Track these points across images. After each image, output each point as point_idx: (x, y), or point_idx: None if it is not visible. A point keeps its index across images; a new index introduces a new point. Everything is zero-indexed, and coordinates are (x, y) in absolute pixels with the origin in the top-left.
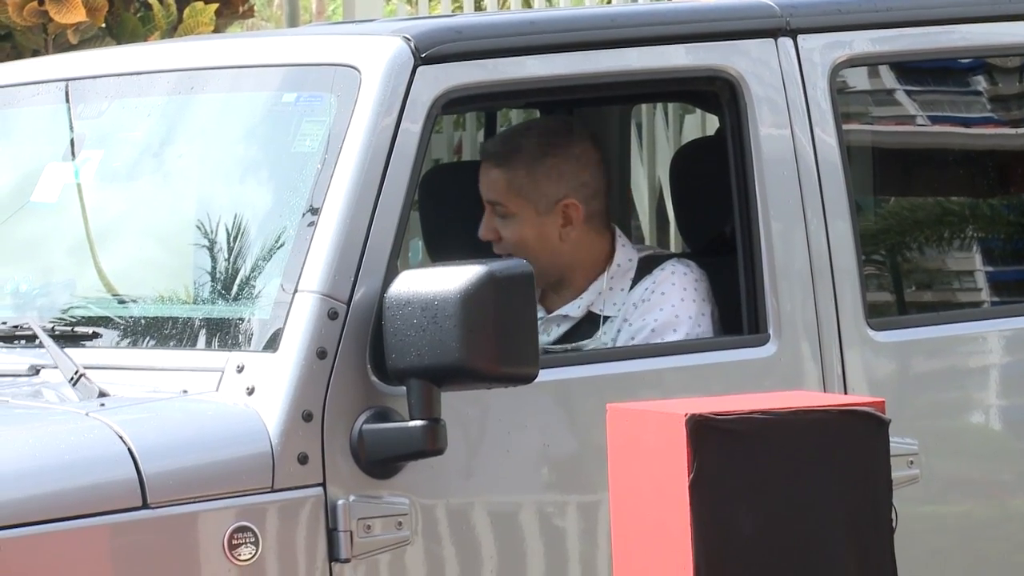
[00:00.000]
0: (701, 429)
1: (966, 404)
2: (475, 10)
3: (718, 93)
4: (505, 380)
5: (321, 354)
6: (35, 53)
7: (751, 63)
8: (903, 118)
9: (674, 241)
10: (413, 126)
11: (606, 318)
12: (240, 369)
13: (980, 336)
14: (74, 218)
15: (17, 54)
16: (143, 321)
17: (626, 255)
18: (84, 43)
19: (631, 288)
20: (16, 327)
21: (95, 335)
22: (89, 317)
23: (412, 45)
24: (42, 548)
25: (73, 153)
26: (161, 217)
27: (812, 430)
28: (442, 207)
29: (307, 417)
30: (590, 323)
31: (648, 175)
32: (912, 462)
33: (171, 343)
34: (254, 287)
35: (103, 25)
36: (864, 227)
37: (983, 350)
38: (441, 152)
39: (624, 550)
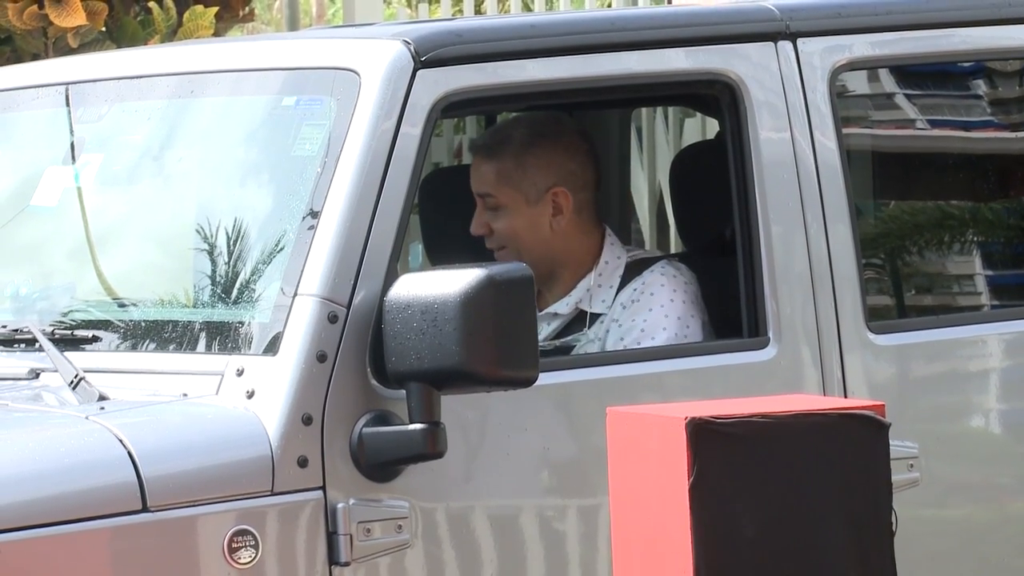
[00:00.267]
0: (701, 433)
1: (966, 408)
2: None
3: (718, 97)
4: (505, 383)
5: (321, 357)
6: (35, 57)
7: (751, 67)
8: (903, 122)
9: (674, 244)
10: (413, 130)
11: (594, 315)
12: (240, 372)
13: (980, 340)
14: (74, 222)
15: (17, 58)
16: (143, 325)
17: (614, 253)
18: (84, 47)
19: (620, 288)
20: (16, 331)
21: (95, 339)
22: (89, 321)
23: (412, 49)
24: (42, 551)
25: (73, 157)
26: (161, 221)
27: (812, 434)
28: (442, 210)
29: (307, 420)
30: (579, 321)
31: (648, 179)
32: (912, 465)
33: (171, 347)
34: (254, 290)
35: (103, 29)
36: (864, 231)
37: (983, 354)
38: (441, 155)
39: (624, 554)
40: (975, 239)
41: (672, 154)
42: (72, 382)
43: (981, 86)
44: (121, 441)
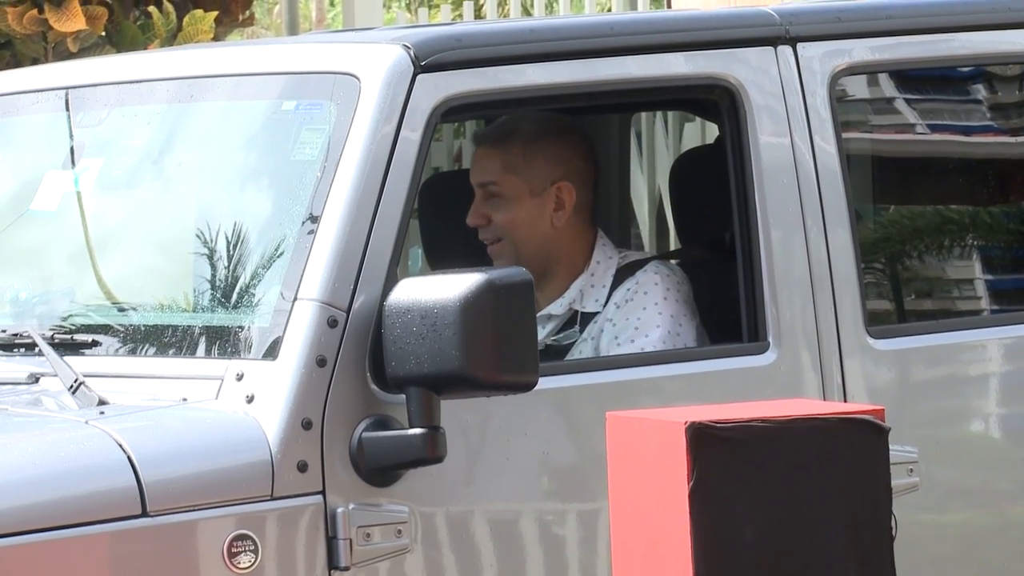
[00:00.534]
0: (701, 437)
1: (966, 412)
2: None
3: (718, 101)
4: (505, 388)
5: (321, 362)
6: (35, 61)
7: (751, 71)
8: (902, 126)
9: (674, 248)
10: (412, 134)
11: (587, 315)
12: (240, 377)
13: (980, 344)
14: (74, 226)
15: (17, 62)
16: (143, 329)
17: (606, 253)
18: (84, 51)
19: (613, 288)
20: (16, 335)
21: (95, 343)
22: (89, 325)
23: (412, 53)
24: (42, 556)
25: (73, 161)
26: (161, 225)
27: (812, 438)
28: (442, 215)
29: (306, 425)
30: (574, 321)
31: (648, 183)
32: (912, 470)
33: (171, 351)
34: (254, 295)
35: (103, 33)
36: (864, 235)
37: (983, 358)
38: (441, 160)
39: (624, 558)
40: (975, 243)
41: (672, 158)
42: (72, 386)
43: (981, 90)
44: (121, 446)
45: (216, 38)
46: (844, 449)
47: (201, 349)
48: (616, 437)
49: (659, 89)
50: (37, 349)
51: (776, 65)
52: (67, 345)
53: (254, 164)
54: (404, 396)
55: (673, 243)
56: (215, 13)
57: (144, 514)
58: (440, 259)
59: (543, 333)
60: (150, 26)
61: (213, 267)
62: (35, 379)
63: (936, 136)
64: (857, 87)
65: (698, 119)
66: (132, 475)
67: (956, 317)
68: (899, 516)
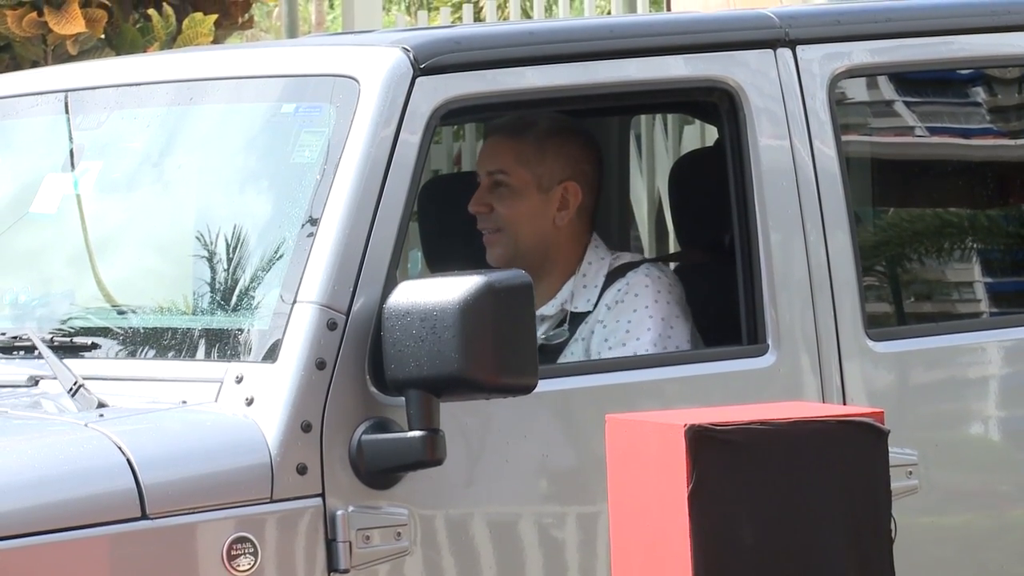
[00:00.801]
0: (700, 440)
1: (965, 415)
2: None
3: (717, 104)
4: (504, 390)
5: (320, 365)
6: (34, 64)
7: (750, 74)
8: (902, 129)
9: (673, 251)
10: (412, 137)
11: (577, 315)
12: (239, 380)
13: (979, 347)
14: (73, 229)
15: (16, 65)
16: (142, 332)
17: (598, 255)
18: (83, 54)
19: (604, 289)
20: (15, 338)
21: (94, 346)
22: (88, 328)
23: (411, 56)
24: (41, 559)
25: (72, 164)
26: (160, 228)
27: (811, 441)
28: (441, 218)
29: (306, 428)
30: (564, 322)
31: (647, 186)
32: (911, 473)
33: (170, 354)
34: (253, 298)
35: (102, 36)
36: (863, 238)
37: (982, 361)
38: (440, 163)
39: (624, 561)
40: (974, 246)
41: (671, 161)
42: (71, 389)
43: (980, 93)
44: (120, 448)
45: (215, 41)
46: (844, 452)
47: (200, 352)
48: (616, 440)
49: (658, 92)
50: (36, 352)
51: (775, 68)
52: (66, 348)
53: (253, 167)
54: (404, 399)
55: (672, 246)
56: (214, 16)
57: (143, 517)
58: (440, 262)
59: (537, 335)
60: (149, 29)
61: (212, 270)
62: (34, 382)
63: (935, 139)
64: (856, 90)
65: (697, 122)
66: (131, 478)
67: (955, 320)
68: (898, 519)
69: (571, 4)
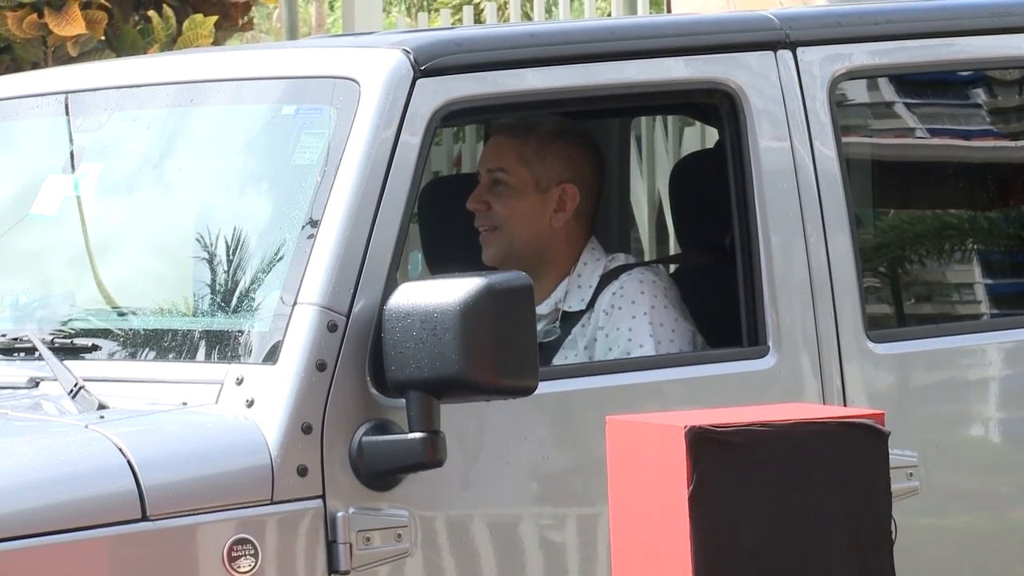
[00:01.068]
0: (701, 441)
1: (965, 416)
2: (475, 22)
3: (718, 105)
4: (504, 392)
5: (320, 366)
6: (35, 66)
7: (751, 76)
8: (902, 130)
9: (673, 252)
10: (412, 138)
11: (569, 313)
12: (240, 381)
13: (979, 348)
14: (73, 230)
15: (16, 67)
16: (142, 333)
17: (593, 256)
18: (84, 55)
19: (599, 290)
20: (15, 339)
21: (94, 347)
22: (88, 329)
23: (411, 57)
24: (42, 560)
25: (73, 165)
26: (161, 229)
27: (812, 442)
28: (442, 219)
29: (306, 429)
30: (559, 321)
31: (648, 187)
32: (912, 474)
33: (171, 355)
34: (253, 299)
35: (103, 37)
36: (863, 239)
37: (982, 362)
38: (440, 164)
39: (624, 562)
40: (974, 248)
41: (671, 163)
42: (72, 391)
43: (980, 95)
44: (121, 450)
45: (216, 43)
46: (844, 453)
47: (201, 353)
48: (616, 441)
49: (659, 93)
50: (37, 353)
51: (776, 69)
52: (67, 349)
53: (254, 168)
54: (404, 400)
55: (673, 247)
56: (215, 18)
57: (144, 518)
58: (440, 263)
59: None
60: (150, 30)
61: (213, 271)
62: (35, 383)
63: (936, 140)
64: (857, 91)
65: (698, 123)
66: (132, 479)
67: (956, 321)
68: (899, 520)
69: (571, 6)
